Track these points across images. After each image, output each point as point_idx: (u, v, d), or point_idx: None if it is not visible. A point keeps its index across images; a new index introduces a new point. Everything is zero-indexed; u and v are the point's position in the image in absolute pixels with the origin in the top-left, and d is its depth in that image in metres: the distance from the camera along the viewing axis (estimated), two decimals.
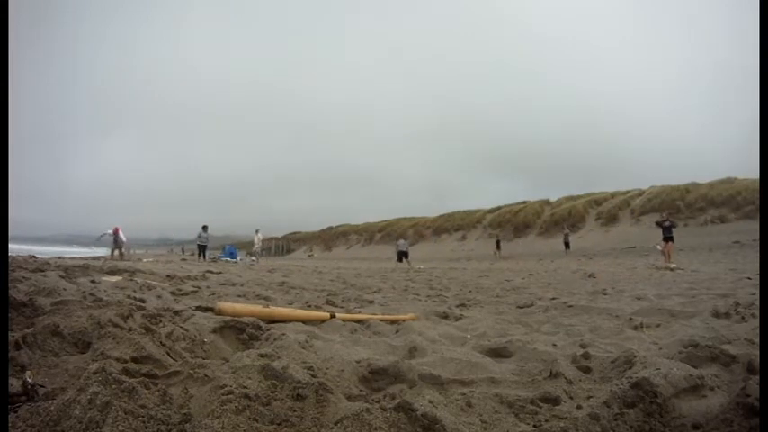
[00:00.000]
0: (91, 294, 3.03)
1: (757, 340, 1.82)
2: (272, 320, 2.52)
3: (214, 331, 2.05)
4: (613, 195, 32.15)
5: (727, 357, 1.54)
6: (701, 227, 24.02)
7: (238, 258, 20.40)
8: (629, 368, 1.51)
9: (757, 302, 3.06)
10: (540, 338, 2.36)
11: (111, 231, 16.16)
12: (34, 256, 7.70)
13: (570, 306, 3.75)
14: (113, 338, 1.57)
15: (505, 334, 2.53)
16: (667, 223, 12.03)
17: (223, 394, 1.14)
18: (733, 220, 23.39)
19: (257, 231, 20.95)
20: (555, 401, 1.35)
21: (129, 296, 3.25)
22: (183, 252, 39.27)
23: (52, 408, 1.00)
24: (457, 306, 4.08)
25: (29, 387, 1.14)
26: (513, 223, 34.03)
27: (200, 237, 18.16)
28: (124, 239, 16.50)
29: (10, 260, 4.65)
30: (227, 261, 17.49)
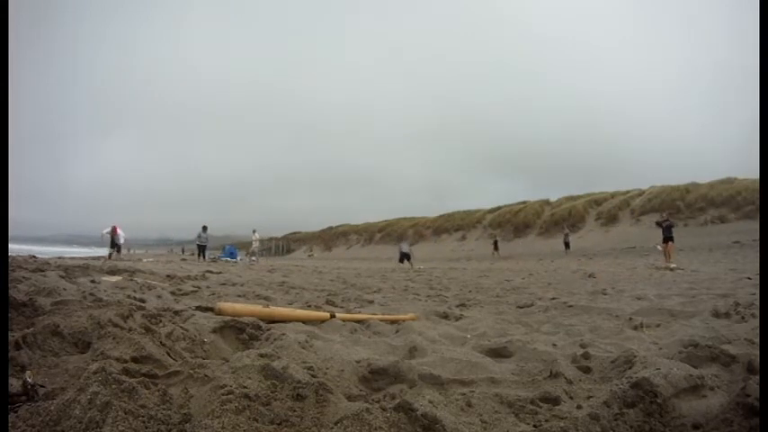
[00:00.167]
0: (91, 294, 3.03)
1: (757, 340, 1.82)
2: (272, 320, 2.52)
3: (214, 331, 2.05)
4: (613, 195, 32.16)
5: (727, 357, 1.54)
6: (701, 227, 24.03)
7: (238, 258, 20.41)
8: (629, 368, 1.51)
9: (757, 302, 3.06)
10: (540, 338, 2.36)
11: (108, 230, 16.05)
12: (34, 256, 7.70)
13: (570, 306, 3.75)
14: (113, 338, 1.57)
15: (505, 334, 2.53)
16: (667, 223, 12.03)
17: (223, 394, 1.14)
18: (733, 220, 23.39)
19: (254, 231, 20.97)
20: (555, 401, 1.35)
21: (129, 296, 3.25)
22: (182, 252, 39.28)
23: (52, 408, 1.00)
24: (457, 306, 4.08)
25: (29, 387, 1.14)
26: (513, 223, 34.04)
27: (199, 237, 18.18)
28: (122, 240, 16.39)
29: (10, 260, 4.65)
30: (227, 261, 17.50)
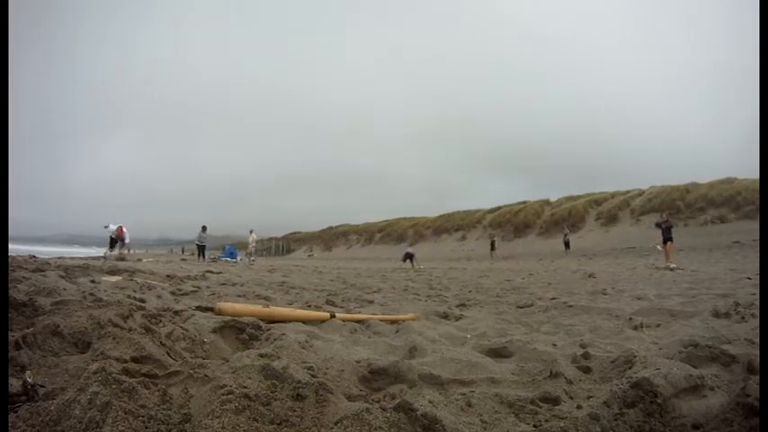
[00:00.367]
0: (91, 294, 3.03)
1: (757, 340, 1.82)
2: (272, 320, 2.52)
3: (214, 331, 2.05)
4: (613, 195, 32.16)
5: (727, 357, 1.54)
6: (701, 227, 24.03)
7: (238, 258, 20.41)
8: (629, 368, 1.51)
9: (757, 302, 3.06)
10: (540, 338, 2.36)
11: (113, 227, 15.42)
12: (34, 256, 7.70)
13: (570, 306, 3.75)
14: (113, 338, 1.56)
15: (505, 334, 2.53)
16: (667, 224, 12.04)
17: (223, 394, 1.14)
18: (733, 220, 23.39)
19: (251, 231, 20.95)
20: (555, 401, 1.35)
21: (129, 296, 3.25)
22: (182, 252, 39.29)
23: (52, 408, 1.00)
24: (457, 306, 4.08)
25: (29, 387, 1.14)
26: (513, 223, 34.04)
27: (199, 237, 18.18)
28: (128, 239, 15.86)
29: (10, 260, 4.65)
30: (226, 261, 17.50)
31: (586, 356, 1.81)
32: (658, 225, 12.41)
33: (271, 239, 52.21)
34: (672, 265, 10.24)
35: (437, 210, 51.11)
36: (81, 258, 10.65)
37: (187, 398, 1.18)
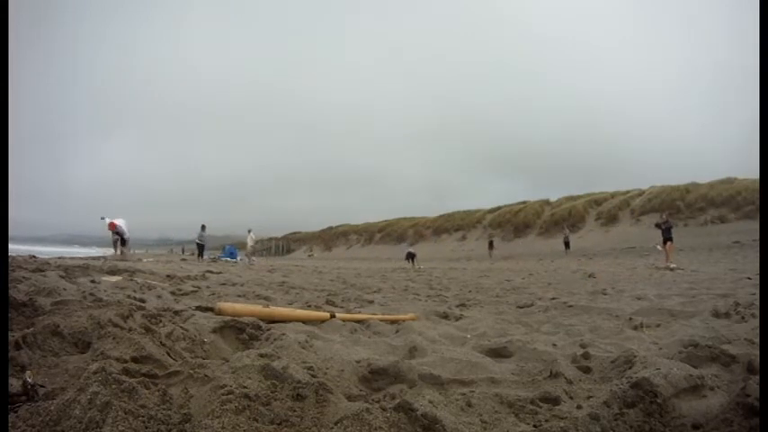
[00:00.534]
0: (91, 294, 3.02)
1: (757, 340, 1.82)
2: (272, 320, 2.52)
3: (214, 331, 2.05)
4: (613, 195, 32.16)
5: (727, 357, 1.54)
6: (701, 227, 24.03)
7: (238, 258, 20.41)
8: (629, 368, 1.51)
9: (757, 302, 3.06)
10: (540, 338, 2.36)
11: (108, 221, 12.82)
12: (34, 256, 7.69)
13: (570, 306, 3.75)
14: (113, 338, 1.56)
15: (505, 334, 2.53)
16: (666, 224, 12.04)
17: (223, 394, 1.14)
18: (733, 220, 23.39)
19: (249, 231, 20.95)
20: (555, 401, 1.35)
21: (129, 296, 3.25)
22: (183, 252, 39.31)
23: (52, 408, 1.00)
24: (457, 306, 4.08)
25: (29, 387, 1.14)
26: (513, 223, 34.04)
27: (199, 236, 18.19)
28: (126, 235, 13.04)
29: (10, 260, 4.65)
30: (226, 261, 17.50)
31: (586, 356, 1.81)
32: (658, 225, 12.42)
33: (271, 239, 52.22)
34: (672, 265, 10.24)
35: (437, 210, 51.11)
36: (81, 258, 10.64)
37: (187, 398, 1.18)
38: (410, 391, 1.45)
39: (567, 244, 22.67)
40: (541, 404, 1.33)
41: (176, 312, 2.48)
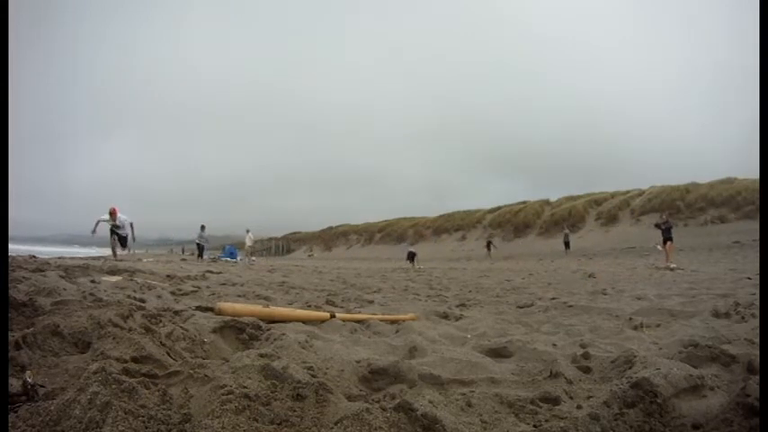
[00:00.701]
0: (91, 294, 3.02)
1: (757, 340, 1.82)
2: (272, 320, 2.52)
3: (214, 331, 2.05)
4: (613, 195, 32.17)
5: (727, 357, 1.54)
6: (701, 227, 24.03)
7: (238, 258, 20.41)
8: (629, 368, 1.51)
9: (757, 302, 3.06)
10: (540, 338, 2.36)
11: (105, 217, 10.89)
12: (34, 256, 7.69)
13: (570, 306, 3.75)
14: (113, 338, 1.56)
15: (505, 334, 2.53)
16: (666, 225, 12.05)
17: (223, 394, 1.14)
18: (733, 220, 23.40)
19: (248, 231, 20.92)
20: (555, 401, 1.35)
21: (129, 296, 3.25)
22: (182, 252, 39.33)
23: (52, 408, 1.00)
24: (457, 306, 4.08)
25: (29, 387, 1.14)
26: (513, 223, 34.05)
27: (199, 236, 18.21)
28: (125, 232, 11.10)
29: (10, 260, 4.65)
30: (226, 261, 17.51)
31: (586, 356, 1.81)
32: (658, 226, 12.42)
33: (271, 239, 52.23)
34: (672, 265, 10.24)
35: (437, 210, 51.12)
36: (81, 258, 10.63)
37: (187, 398, 1.18)
38: (410, 391, 1.45)
39: (567, 244, 22.67)
40: (541, 404, 1.33)
41: (176, 312, 2.48)
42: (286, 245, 52.78)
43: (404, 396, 1.26)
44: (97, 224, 10.95)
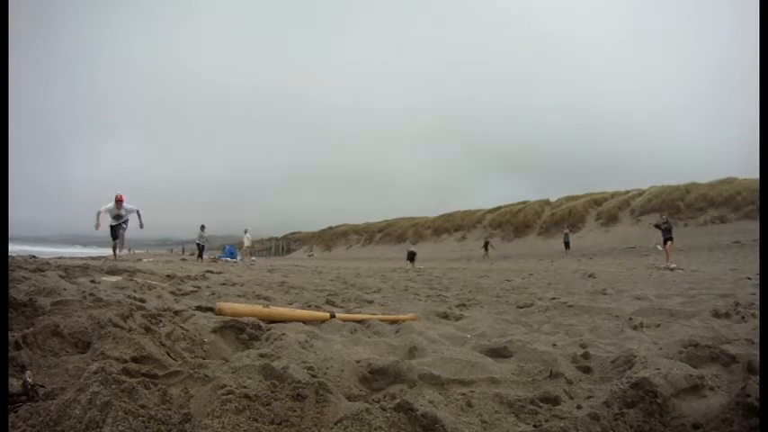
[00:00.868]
0: (91, 294, 3.02)
1: (757, 340, 1.82)
2: (272, 320, 2.52)
3: (214, 331, 2.05)
4: (613, 195, 32.17)
5: (727, 357, 1.54)
6: (701, 227, 24.03)
7: (238, 258, 20.42)
8: (629, 368, 1.51)
9: (757, 302, 3.06)
10: (540, 338, 2.37)
11: (110, 205, 9.98)
12: (34, 256, 7.69)
13: (570, 306, 3.75)
14: (113, 338, 1.56)
15: (505, 334, 2.53)
16: (666, 225, 12.06)
17: (223, 394, 1.14)
18: (733, 220, 23.41)
19: (246, 231, 20.92)
20: (555, 401, 1.35)
21: (129, 296, 3.25)
22: (183, 252, 39.33)
23: (52, 408, 1.00)
24: (457, 306, 4.08)
25: (29, 387, 1.14)
26: (513, 223, 34.06)
27: (199, 236, 18.23)
28: (125, 226, 10.19)
29: (10, 260, 4.65)
30: (227, 261, 17.52)
31: (586, 356, 1.81)
32: (658, 226, 12.43)
33: (271, 239, 52.24)
34: (672, 266, 10.24)
35: (437, 210, 51.13)
36: (81, 258, 10.64)
37: (187, 398, 1.18)
38: (410, 391, 1.44)
39: (567, 244, 22.67)
40: (541, 404, 1.33)
41: (176, 312, 2.48)
42: (286, 245, 52.78)
43: (404, 396, 1.26)
44: (99, 216, 9.91)
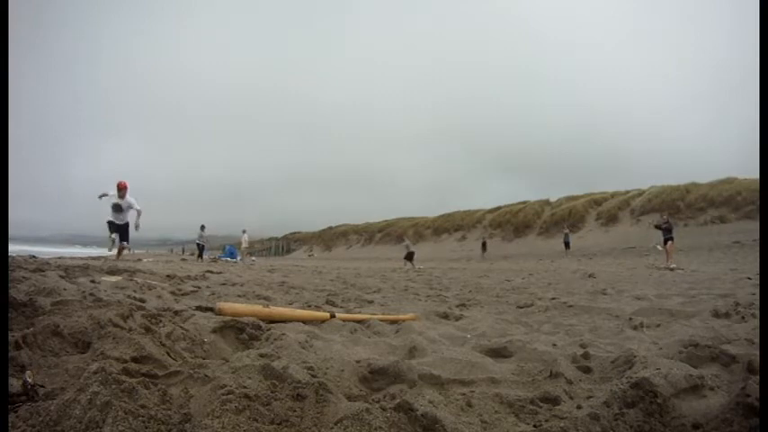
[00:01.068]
0: (91, 294, 3.02)
1: (757, 340, 1.82)
2: (272, 320, 2.52)
3: (214, 331, 2.05)
4: (613, 195, 32.18)
5: (727, 357, 1.54)
6: (701, 227, 24.04)
7: (238, 258, 20.43)
8: (629, 368, 1.51)
9: (757, 302, 3.06)
10: (540, 338, 2.37)
11: (111, 193, 8.84)
12: (34, 256, 7.69)
13: (570, 306, 3.75)
14: (113, 338, 1.56)
15: (505, 334, 2.53)
16: (666, 225, 12.07)
17: (223, 394, 1.14)
18: (733, 220, 23.41)
19: (244, 232, 20.94)
20: (555, 401, 1.35)
21: (129, 296, 3.24)
22: (183, 252, 39.34)
23: (52, 408, 1.00)
24: (457, 306, 4.08)
25: (29, 387, 1.14)
26: (513, 223, 34.06)
27: (199, 236, 18.24)
28: (137, 206, 8.80)
29: (10, 260, 4.65)
30: (227, 261, 17.53)
31: (586, 356, 1.81)
32: (658, 227, 12.43)
33: (271, 239, 52.25)
34: (672, 266, 10.24)
35: (437, 210, 51.13)
36: (81, 258, 10.64)
37: (187, 398, 1.18)
38: (410, 391, 1.44)
39: (567, 244, 22.67)
40: (541, 404, 1.33)
41: (176, 312, 2.48)
42: (286, 245, 52.78)
43: (404, 396, 1.26)
44: (104, 196, 8.93)
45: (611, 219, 29.37)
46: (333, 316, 2.76)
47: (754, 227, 18.07)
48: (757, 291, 4.11)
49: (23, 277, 3.31)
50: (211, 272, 7.44)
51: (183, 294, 3.94)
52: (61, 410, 0.98)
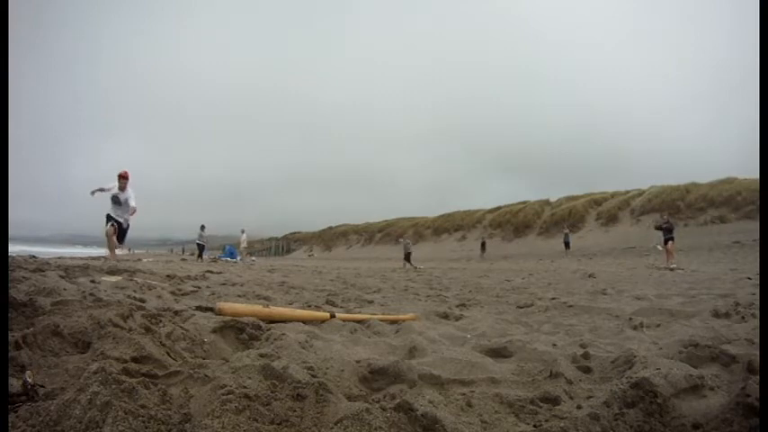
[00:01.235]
0: (91, 294, 3.02)
1: (757, 340, 1.82)
2: (272, 320, 2.52)
3: (214, 331, 2.05)
4: (613, 195, 32.19)
5: (727, 357, 1.54)
6: (701, 227, 24.04)
7: (238, 258, 20.44)
8: (629, 368, 1.51)
9: (757, 302, 3.06)
10: (540, 338, 2.37)
11: (112, 185, 8.32)
12: (34, 256, 7.69)
13: (570, 306, 3.75)
14: (113, 338, 1.56)
15: (505, 334, 2.53)
16: (667, 225, 12.06)
17: (223, 394, 1.14)
18: (733, 220, 23.41)
19: (243, 232, 20.95)
20: (555, 401, 1.35)
21: (129, 296, 3.24)
22: (183, 252, 39.34)
23: (52, 408, 1.00)
24: (457, 306, 4.08)
25: (29, 387, 1.14)
26: (513, 223, 34.06)
27: (199, 236, 18.25)
28: (133, 202, 8.23)
29: (10, 260, 4.65)
30: (227, 261, 17.53)
31: (586, 356, 1.81)
32: (658, 227, 12.42)
33: (271, 239, 52.25)
34: (672, 266, 10.24)
35: (437, 210, 51.12)
36: (81, 258, 10.64)
37: (187, 398, 1.18)
38: (410, 391, 1.44)
39: (567, 244, 22.68)
40: (541, 404, 1.33)
41: (176, 312, 2.48)
42: (286, 245, 52.79)
43: (404, 396, 1.26)
44: (97, 191, 8.53)
45: (611, 219, 29.37)
46: (333, 316, 2.76)
47: (754, 227, 18.08)
48: (757, 291, 4.11)
49: (23, 277, 3.31)
50: (211, 272, 7.44)
51: (183, 294, 3.94)
52: (61, 410, 0.98)
